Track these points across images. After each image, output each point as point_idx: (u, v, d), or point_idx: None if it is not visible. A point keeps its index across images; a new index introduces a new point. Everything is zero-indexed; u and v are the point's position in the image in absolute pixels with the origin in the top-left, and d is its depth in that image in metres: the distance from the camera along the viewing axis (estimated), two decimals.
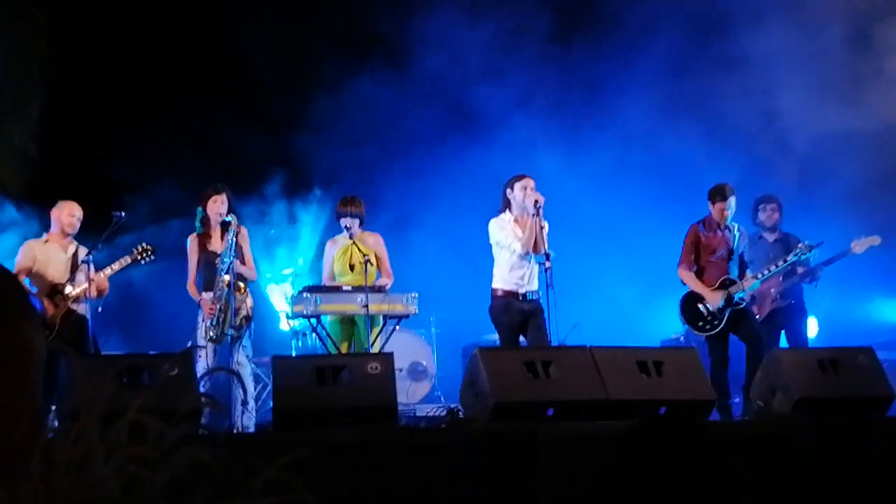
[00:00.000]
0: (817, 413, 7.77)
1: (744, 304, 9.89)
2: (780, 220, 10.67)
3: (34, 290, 9.58)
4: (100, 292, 9.78)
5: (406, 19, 13.76)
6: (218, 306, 9.46)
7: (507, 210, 9.73)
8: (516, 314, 9.56)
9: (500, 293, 9.65)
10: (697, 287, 9.97)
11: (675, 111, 13.04)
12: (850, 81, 12.44)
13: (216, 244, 9.67)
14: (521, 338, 9.61)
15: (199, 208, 9.84)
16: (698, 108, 13.07)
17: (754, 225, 10.72)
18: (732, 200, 10.00)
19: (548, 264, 9.33)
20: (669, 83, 13.19)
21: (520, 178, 9.70)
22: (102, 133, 13.52)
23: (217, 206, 9.72)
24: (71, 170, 12.50)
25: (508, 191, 9.71)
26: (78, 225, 9.89)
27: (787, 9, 12.82)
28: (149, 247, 9.80)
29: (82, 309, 9.71)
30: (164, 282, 9.90)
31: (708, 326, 9.88)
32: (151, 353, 8.79)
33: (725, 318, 9.81)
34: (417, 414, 10.73)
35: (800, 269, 10.44)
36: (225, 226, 9.63)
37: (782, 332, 10.50)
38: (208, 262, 9.68)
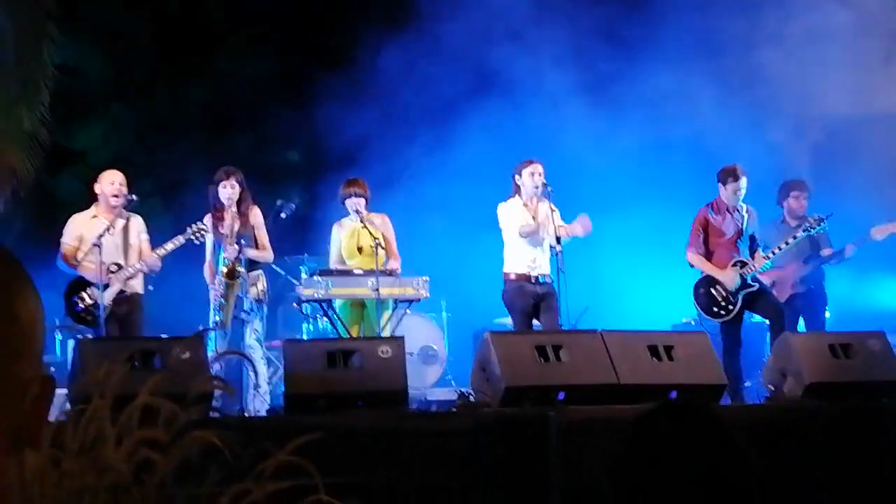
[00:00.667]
0: (828, 398, 7.76)
1: (757, 285, 9.79)
2: (807, 206, 10.61)
3: (80, 269, 9.36)
4: (151, 269, 9.54)
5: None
6: (219, 292, 9.47)
7: (517, 195, 9.72)
8: (529, 297, 9.57)
9: (512, 277, 9.66)
10: (708, 268, 9.87)
11: (702, 89, 12.95)
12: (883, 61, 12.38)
13: (227, 231, 9.66)
14: (535, 321, 9.61)
15: (210, 191, 9.80)
16: (724, 86, 12.99)
17: (779, 206, 10.68)
18: (744, 181, 9.87)
19: (559, 248, 9.34)
20: (702, 60, 13.10)
21: (528, 163, 9.71)
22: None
23: (227, 190, 9.69)
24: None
25: (517, 176, 9.71)
26: (123, 194, 9.49)
27: None
28: (203, 226, 9.53)
29: (137, 285, 9.55)
30: (174, 263, 9.81)
31: (723, 312, 9.75)
32: (163, 336, 8.78)
33: (740, 301, 9.72)
34: (428, 398, 10.74)
35: (824, 252, 10.42)
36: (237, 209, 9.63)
37: (800, 317, 10.47)
38: (219, 246, 9.70)
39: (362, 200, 9.85)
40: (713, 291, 9.84)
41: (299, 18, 15.07)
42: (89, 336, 9.19)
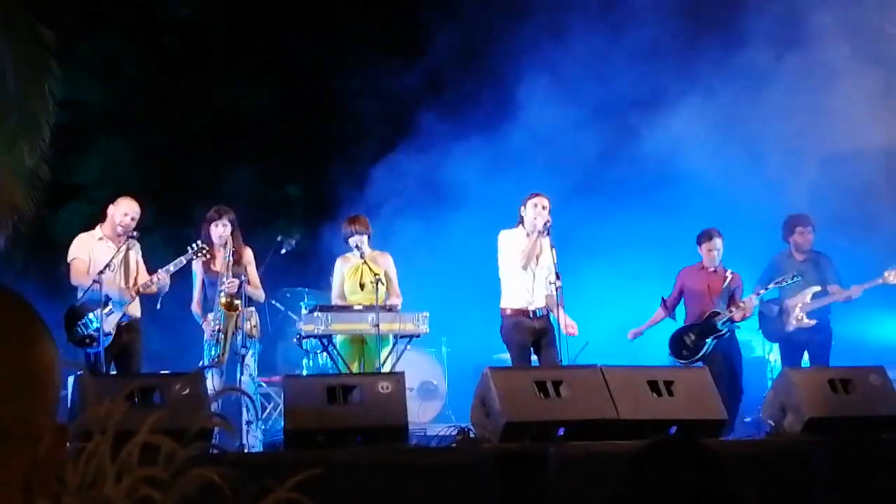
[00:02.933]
0: (828, 433, 7.75)
1: (727, 333, 10.22)
2: (813, 241, 10.71)
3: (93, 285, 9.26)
4: (161, 289, 9.51)
5: None
6: (217, 328, 9.47)
7: (521, 226, 9.74)
8: (527, 333, 9.56)
9: (508, 312, 9.66)
10: (651, 321, 10.73)
11: (703, 125, 13.01)
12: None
13: (220, 265, 9.65)
14: (535, 357, 9.61)
15: (203, 231, 9.81)
16: (725, 124, 13.05)
17: (784, 241, 10.78)
18: (718, 242, 10.41)
19: (558, 283, 9.34)
20: (700, 98, 13.17)
21: (534, 195, 9.73)
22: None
23: (219, 229, 9.70)
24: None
25: (522, 207, 9.73)
26: (132, 225, 9.47)
27: None
28: (204, 245, 9.52)
29: (136, 310, 9.54)
30: (168, 298, 9.78)
31: (687, 353, 10.25)
32: (161, 372, 8.76)
33: (708, 345, 10.19)
34: (428, 433, 10.70)
35: (832, 289, 10.48)
36: (226, 247, 9.63)
37: (804, 351, 10.53)
38: (212, 284, 9.68)
39: (365, 238, 9.88)
40: (684, 338, 10.36)
41: (300, 52, 15.15)
42: (88, 372, 9.13)
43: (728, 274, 10.42)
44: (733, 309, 10.16)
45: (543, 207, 9.63)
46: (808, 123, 12.56)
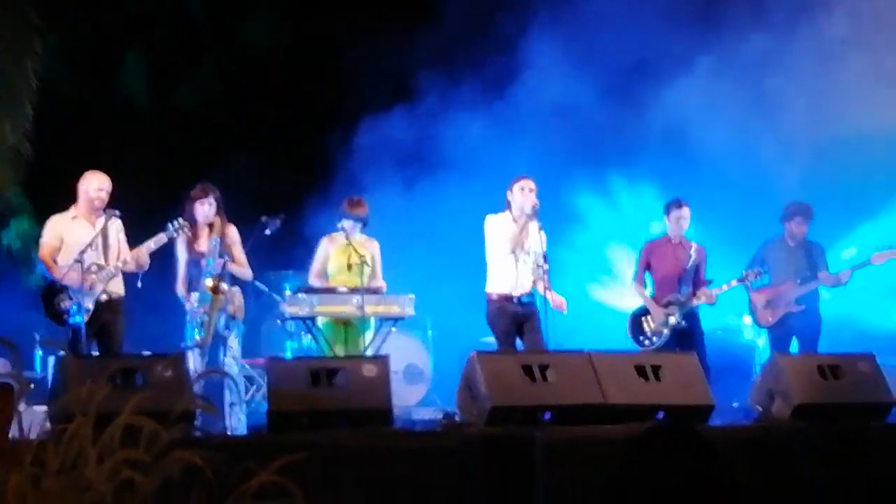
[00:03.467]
0: (817, 419, 7.73)
1: (685, 324, 10.11)
2: (807, 230, 10.68)
3: (63, 270, 9.11)
4: (139, 266, 9.34)
5: None
6: (202, 310, 9.35)
7: (508, 210, 9.67)
8: (511, 318, 9.52)
9: (494, 297, 9.61)
10: (646, 301, 10.35)
11: (699, 110, 12.97)
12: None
13: (203, 245, 9.53)
14: (520, 342, 9.56)
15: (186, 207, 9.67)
16: (722, 108, 13.01)
17: (781, 223, 10.74)
18: (685, 211, 10.27)
19: (545, 266, 9.28)
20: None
21: (520, 178, 9.65)
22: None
23: (205, 208, 9.59)
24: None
25: (509, 191, 9.65)
26: (106, 199, 9.34)
27: None
28: (185, 222, 9.35)
29: (118, 287, 9.39)
30: (151, 278, 9.64)
31: (647, 342, 10.17)
32: (144, 353, 8.67)
33: (665, 336, 10.10)
34: (413, 417, 10.67)
35: (821, 274, 10.46)
36: (211, 227, 9.52)
37: (793, 338, 10.51)
38: (196, 263, 9.53)
39: (360, 224, 9.81)
40: (643, 322, 10.29)
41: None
42: (69, 350, 9.00)
43: (692, 249, 10.30)
44: (696, 295, 10.10)
45: (531, 190, 9.56)
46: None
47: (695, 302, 10.12)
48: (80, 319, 9.01)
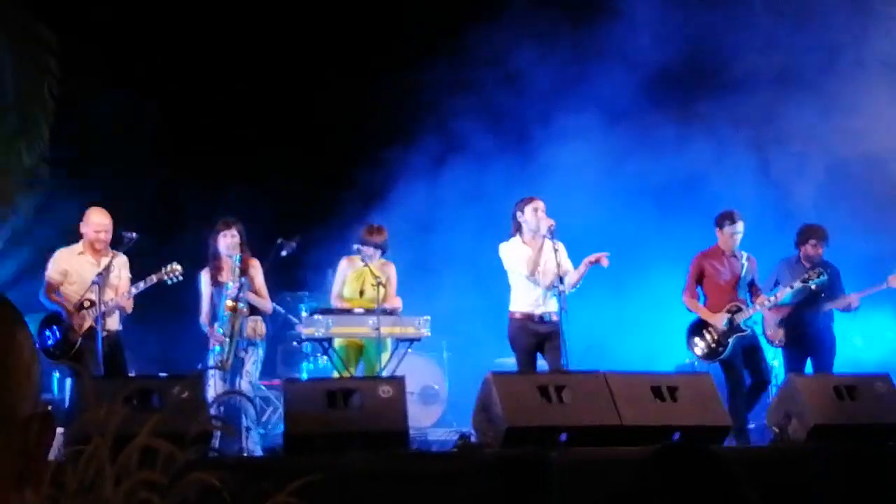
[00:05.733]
0: (833, 440, 7.70)
1: (749, 331, 9.88)
2: (823, 252, 10.60)
3: (62, 304, 9.25)
4: (122, 309, 9.43)
5: None
6: (223, 332, 9.39)
7: (518, 233, 9.65)
8: (532, 336, 9.50)
9: (517, 316, 9.59)
10: (700, 311, 10.01)
11: (691, 131, 12.97)
12: None
13: (227, 277, 9.58)
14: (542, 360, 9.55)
15: (210, 241, 9.73)
16: (710, 129, 13.01)
17: (795, 248, 10.67)
18: (740, 225, 10.02)
19: (562, 287, 9.26)
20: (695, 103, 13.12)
21: (530, 200, 9.63)
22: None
23: (227, 240, 9.63)
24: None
25: (518, 213, 9.63)
26: (106, 239, 9.40)
27: None
28: (177, 266, 9.40)
29: (114, 323, 9.41)
30: (170, 302, 9.68)
31: (711, 354, 9.87)
32: (161, 375, 8.70)
33: (730, 345, 9.78)
34: (429, 438, 10.67)
35: (835, 297, 10.39)
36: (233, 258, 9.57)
37: (808, 359, 10.42)
38: (219, 293, 9.59)
39: (379, 251, 9.81)
40: (705, 333, 9.93)
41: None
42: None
43: (745, 258, 10.08)
44: (757, 302, 9.96)
45: (542, 210, 9.55)
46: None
47: (755, 310, 9.93)
48: (55, 350, 9.16)
